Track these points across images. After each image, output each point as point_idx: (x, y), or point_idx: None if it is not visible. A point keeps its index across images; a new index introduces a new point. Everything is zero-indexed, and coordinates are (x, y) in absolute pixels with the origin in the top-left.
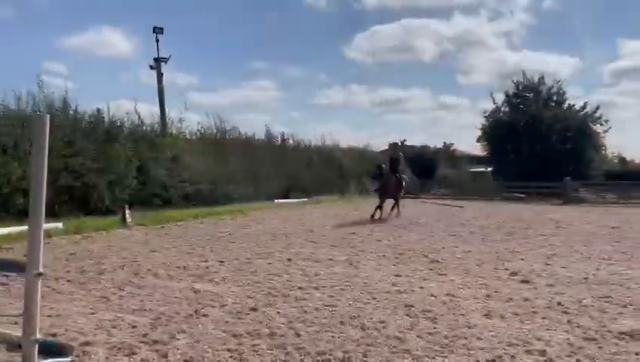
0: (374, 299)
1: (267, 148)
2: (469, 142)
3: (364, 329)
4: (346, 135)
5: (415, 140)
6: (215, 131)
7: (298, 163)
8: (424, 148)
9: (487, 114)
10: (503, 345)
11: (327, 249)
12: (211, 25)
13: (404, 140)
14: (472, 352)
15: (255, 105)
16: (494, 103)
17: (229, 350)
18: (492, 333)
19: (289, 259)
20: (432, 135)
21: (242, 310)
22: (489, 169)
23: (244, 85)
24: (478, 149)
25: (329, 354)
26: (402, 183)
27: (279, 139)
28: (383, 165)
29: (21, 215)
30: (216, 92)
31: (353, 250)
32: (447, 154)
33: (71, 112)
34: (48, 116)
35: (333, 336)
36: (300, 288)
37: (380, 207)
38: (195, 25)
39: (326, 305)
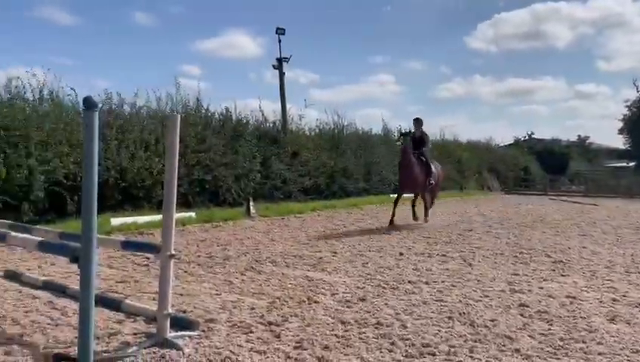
0: (486, 296)
1: (383, 142)
2: (608, 135)
3: (473, 326)
4: (467, 128)
5: (545, 133)
6: (332, 127)
7: None
8: (555, 141)
9: (629, 103)
10: (626, 351)
11: (442, 245)
12: (331, 22)
13: (532, 133)
14: (589, 357)
15: (373, 100)
16: (638, 92)
17: (336, 336)
18: (615, 339)
19: (401, 254)
20: (565, 127)
21: (351, 299)
22: (631, 164)
23: (362, 80)
24: (618, 142)
25: (434, 347)
26: (431, 170)
27: (396, 133)
28: (402, 138)
29: (161, 205)
30: (334, 88)
31: (469, 246)
32: (582, 148)
33: (203, 111)
34: (179, 116)
35: (439, 330)
36: (410, 282)
37: (395, 204)
38: (315, 24)
39: (435, 300)
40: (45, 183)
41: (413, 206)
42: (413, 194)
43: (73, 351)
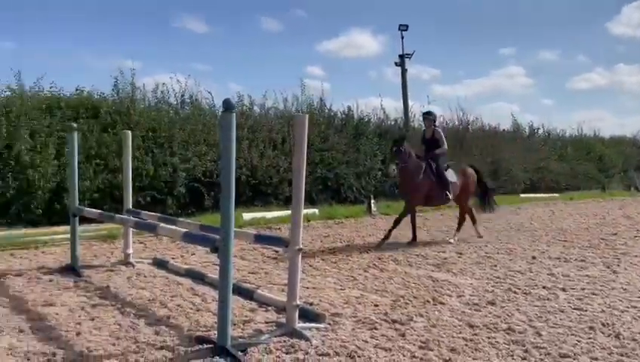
0: (634, 307)
1: (512, 139)
2: None
3: (619, 338)
4: (610, 123)
5: None
6: (456, 123)
7: (548, 154)
8: None
9: None
10: None
11: (580, 249)
12: (452, 15)
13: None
14: None
15: (501, 93)
16: None
17: (464, 339)
18: None
19: (533, 257)
20: None
21: (479, 302)
22: None
23: (488, 74)
24: None
25: (573, 359)
26: (444, 180)
27: (527, 129)
28: (403, 145)
29: (287, 201)
30: (458, 83)
31: (613, 252)
32: None
33: (326, 111)
34: (307, 116)
35: (579, 341)
36: (544, 287)
37: (397, 221)
38: (436, 17)
39: (573, 308)
40: (186, 180)
41: (396, 223)
42: (410, 208)
43: (213, 335)
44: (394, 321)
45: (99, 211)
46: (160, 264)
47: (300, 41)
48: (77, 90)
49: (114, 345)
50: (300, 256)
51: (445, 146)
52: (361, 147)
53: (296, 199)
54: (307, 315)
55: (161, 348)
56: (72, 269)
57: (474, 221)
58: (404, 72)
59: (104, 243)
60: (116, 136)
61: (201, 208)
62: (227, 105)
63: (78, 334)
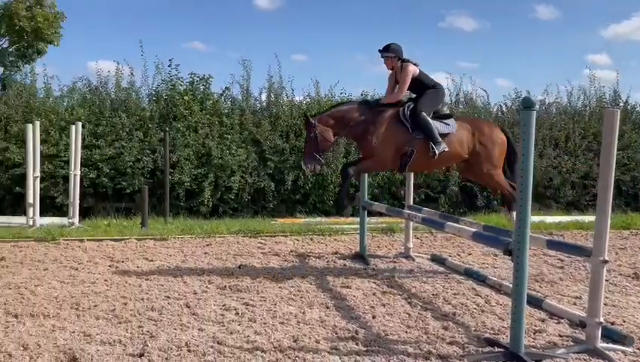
0: None
1: None
2: None
3: None
4: None
5: None
6: None
7: None
8: None
9: None
10: None
11: None
12: None
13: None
14: None
15: None
16: None
17: None
18: None
19: None
20: None
21: None
22: None
23: None
24: None
25: None
26: (430, 147)
27: None
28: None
29: (569, 206)
30: None
31: None
32: None
33: (621, 104)
34: (618, 111)
35: None
36: None
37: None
38: None
39: None
40: (459, 179)
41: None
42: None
43: (502, 339)
44: None
45: (386, 206)
46: (438, 260)
47: (581, 28)
48: (362, 94)
49: (406, 332)
50: (605, 268)
51: (403, 88)
52: None
53: (602, 205)
54: (610, 335)
55: (451, 343)
56: (360, 257)
57: (509, 204)
58: None
59: (384, 235)
60: None
61: (472, 208)
62: (527, 102)
63: (373, 317)
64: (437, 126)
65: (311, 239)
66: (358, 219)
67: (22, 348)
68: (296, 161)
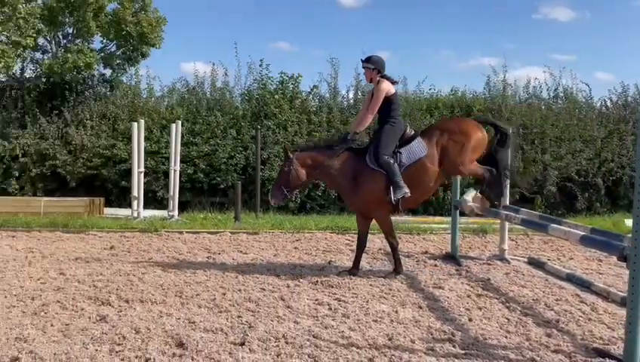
0: None
1: None
2: None
3: None
4: None
5: None
6: None
7: None
8: None
9: None
10: None
11: None
12: None
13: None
14: None
15: None
16: None
17: None
18: None
19: None
20: None
21: None
22: None
23: None
24: None
25: None
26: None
27: None
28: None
29: None
30: None
31: None
32: None
33: None
34: None
35: None
36: None
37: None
38: None
39: None
40: (557, 179)
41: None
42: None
43: (612, 349)
44: None
45: None
46: (536, 264)
47: None
48: (452, 90)
49: (506, 337)
50: None
51: (398, 111)
52: None
53: None
54: None
55: (556, 351)
56: (452, 257)
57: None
58: None
59: (476, 236)
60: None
61: (571, 210)
62: None
63: (470, 320)
64: (408, 156)
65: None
66: (446, 219)
67: (134, 332)
68: None
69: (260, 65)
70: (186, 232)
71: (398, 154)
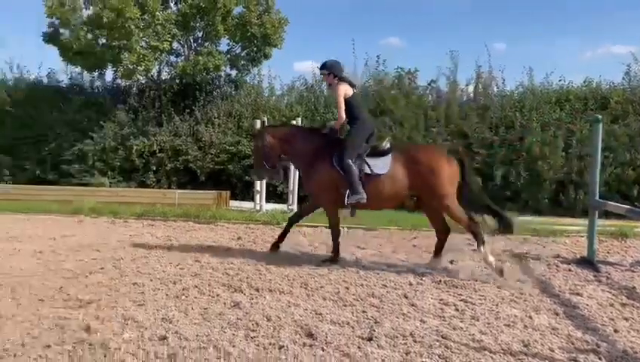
0: None
1: None
2: None
3: None
4: None
5: None
6: None
7: None
8: None
9: None
10: None
11: None
12: None
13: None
14: None
15: None
16: None
17: None
18: None
19: None
20: None
21: None
22: None
23: None
24: None
25: None
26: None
27: None
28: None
29: None
30: None
31: None
32: None
33: None
34: None
35: None
36: None
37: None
38: None
39: None
40: None
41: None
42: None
43: None
44: None
45: (627, 207)
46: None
47: None
48: (585, 81)
49: None
50: None
51: (339, 110)
52: None
53: None
54: None
55: None
56: (588, 262)
57: (478, 239)
58: None
59: (614, 240)
60: (627, 127)
61: None
62: None
63: (615, 331)
64: (374, 164)
65: (524, 239)
66: (578, 221)
67: (266, 319)
68: (507, 155)
69: (377, 62)
70: (305, 226)
71: (365, 162)
